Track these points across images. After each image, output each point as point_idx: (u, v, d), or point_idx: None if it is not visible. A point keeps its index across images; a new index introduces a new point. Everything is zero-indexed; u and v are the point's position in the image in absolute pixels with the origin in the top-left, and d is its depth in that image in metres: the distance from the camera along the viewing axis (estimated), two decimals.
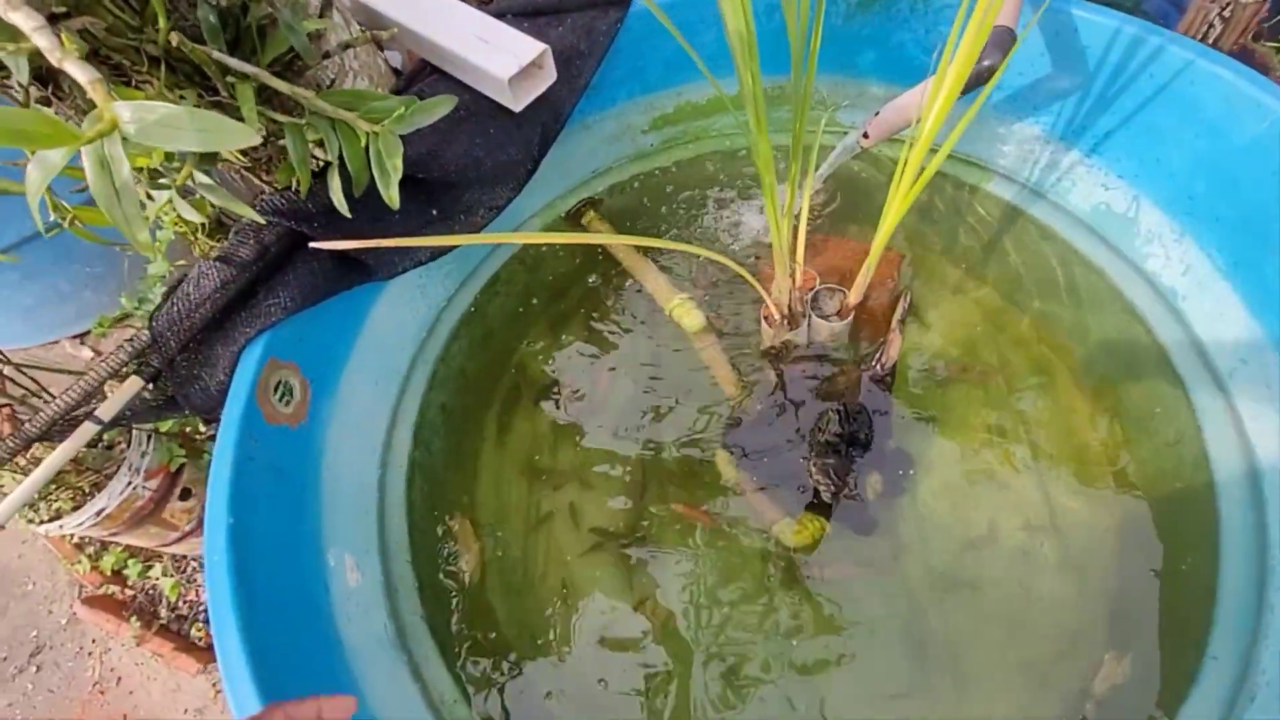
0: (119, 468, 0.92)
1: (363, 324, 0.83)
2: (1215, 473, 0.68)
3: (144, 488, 0.94)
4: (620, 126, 1.02)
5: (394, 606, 0.74)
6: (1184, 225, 0.75)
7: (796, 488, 0.87)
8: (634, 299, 1.05)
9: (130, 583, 1.12)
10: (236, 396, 0.63)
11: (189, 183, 0.54)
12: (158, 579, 1.12)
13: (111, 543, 1.15)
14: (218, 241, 0.88)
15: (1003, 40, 0.64)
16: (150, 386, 0.65)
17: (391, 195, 0.59)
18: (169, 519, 1.00)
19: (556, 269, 1.07)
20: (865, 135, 0.78)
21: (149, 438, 0.96)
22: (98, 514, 0.89)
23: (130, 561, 1.11)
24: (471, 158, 0.79)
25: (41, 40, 0.30)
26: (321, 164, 0.64)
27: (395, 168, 0.55)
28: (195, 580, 1.12)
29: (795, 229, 0.80)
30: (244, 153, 0.64)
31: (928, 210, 1.00)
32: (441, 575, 0.84)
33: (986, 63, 0.62)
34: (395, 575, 0.77)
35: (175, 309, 0.63)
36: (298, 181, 0.61)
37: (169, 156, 0.52)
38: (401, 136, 0.58)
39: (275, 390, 0.68)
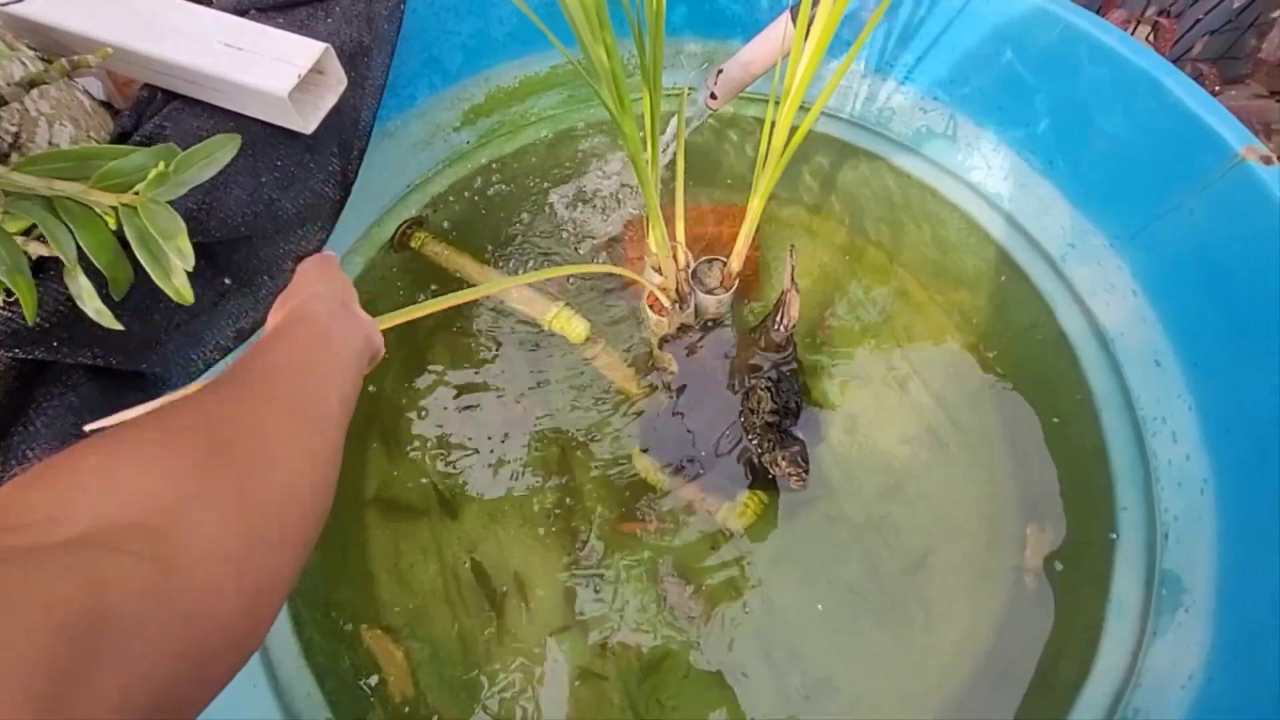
0: None
1: None
2: (1074, 347, 0.77)
3: None
4: (428, 128, 0.87)
5: None
6: (998, 135, 0.82)
7: (726, 471, 0.84)
8: (496, 321, 0.92)
9: None
10: None
11: None
12: None
13: None
14: None
15: None
16: None
17: (179, 288, 0.42)
18: None
19: (398, 306, 0.91)
20: (713, 96, 0.73)
21: None
22: None
23: None
24: (262, 202, 0.61)
25: None
26: (36, 258, 0.44)
27: (181, 250, 0.39)
28: None
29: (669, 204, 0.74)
30: None
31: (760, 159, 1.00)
32: (375, 713, 0.69)
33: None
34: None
35: None
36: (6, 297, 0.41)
37: None
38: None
39: None
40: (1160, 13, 0.89)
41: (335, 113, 0.65)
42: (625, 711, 0.73)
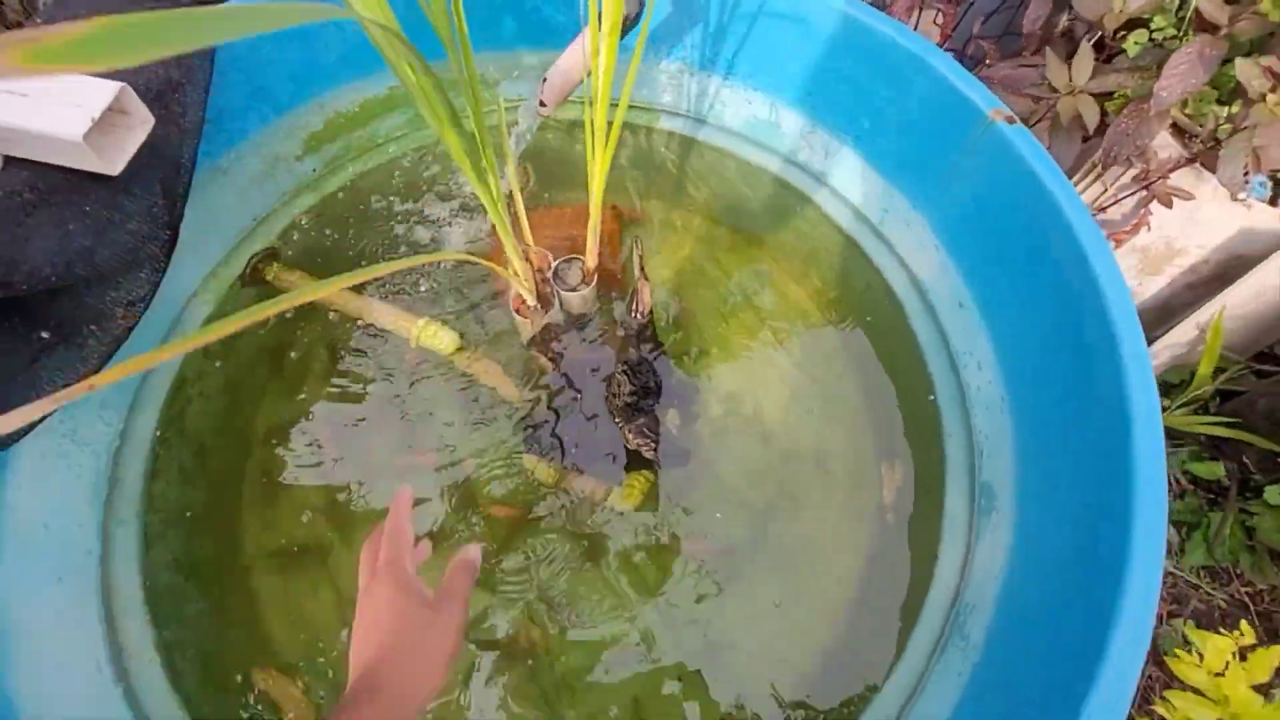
0: None
1: None
2: (901, 300, 0.86)
3: None
4: (266, 160, 0.86)
5: None
6: (813, 118, 0.90)
7: (609, 457, 0.88)
8: (363, 342, 0.92)
9: None
10: None
11: None
12: None
13: None
14: None
15: None
16: None
17: None
18: None
19: (257, 344, 0.89)
20: (542, 103, 0.77)
21: None
22: None
23: None
24: (73, 251, 0.59)
25: None
26: None
27: None
28: None
29: (513, 210, 0.77)
30: None
31: (615, 159, 1.05)
32: None
33: (630, 11, 0.64)
34: None
35: None
36: None
37: None
38: None
39: None
40: None
41: (150, 152, 0.64)
42: (542, 698, 0.75)
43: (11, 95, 0.55)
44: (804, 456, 0.90)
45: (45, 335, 0.60)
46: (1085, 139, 0.90)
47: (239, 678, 0.73)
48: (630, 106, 1.02)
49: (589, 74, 0.69)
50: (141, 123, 0.62)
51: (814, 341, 0.96)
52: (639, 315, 0.81)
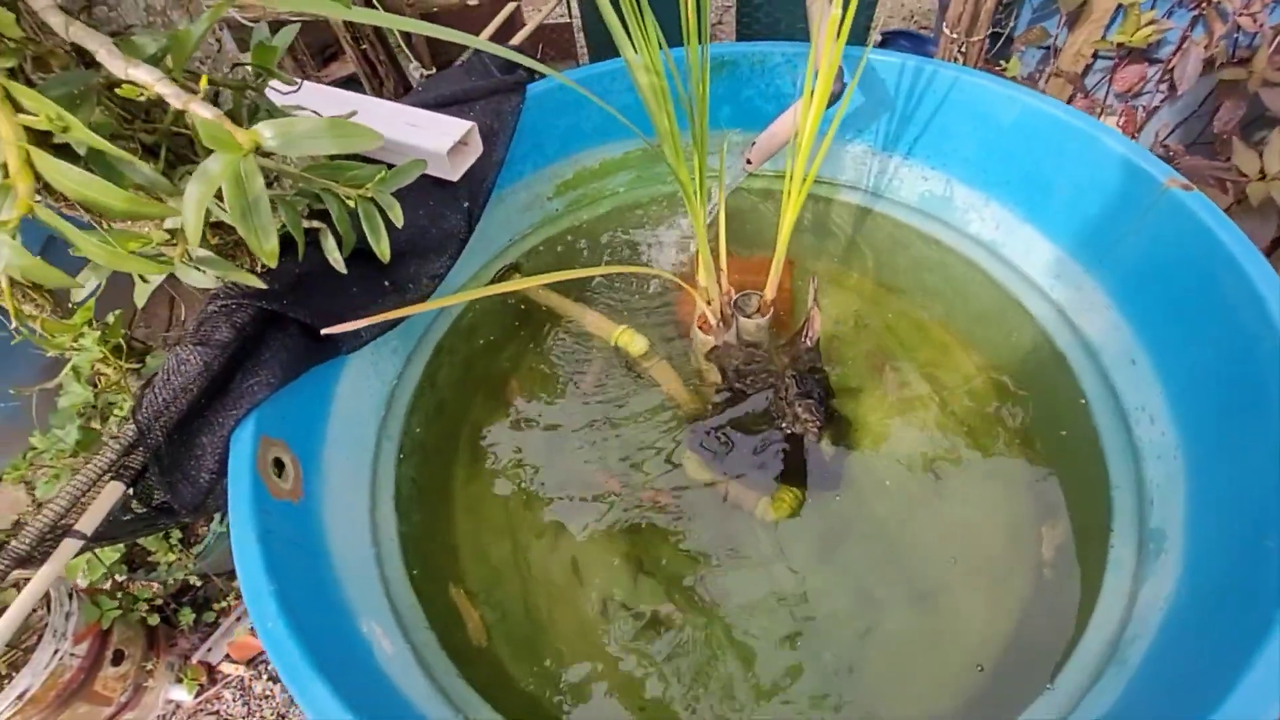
0: (40, 637, 0.78)
1: (331, 402, 0.82)
2: (1069, 360, 0.89)
3: (72, 655, 0.81)
4: (530, 196, 1.13)
5: (430, 671, 0.70)
6: (986, 193, 1.00)
7: (762, 469, 0.97)
8: (569, 342, 1.13)
9: None
10: (239, 474, 0.61)
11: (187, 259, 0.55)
12: None
13: None
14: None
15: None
16: (131, 491, 0.61)
17: (383, 249, 0.64)
18: (101, 691, 0.86)
19: (493, 331, 1.13)
20: (748, 161, 0.96)
21: (71, 595, 0.83)
22: (19, 698, 0.75)
23: None
24: (418, 227, 0.85)
25: (164, 89, 0.34)
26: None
27: (397, 215, 0.61)
28: None
29: (714, 242, 0.94)
30: (215, 234, 0.65)
31: (799, 222, 1.21)
32: (463, 641, 0.81)
33: (835, 90, 0.82)
34: (420, 643, 0.73)
35: (159, 397, 0.60)
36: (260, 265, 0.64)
37: (171, 234, 0.53)
38: None
39: (272, 467, 0.66)
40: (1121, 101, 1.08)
41: (469, 175, 0.90)
42: (665, 680, 0.82)
43: (411, 127, 0.84)
44: (956, 510, 0.92)
45: (387, 284, 0.85)
46: None
47: (446, 584, 0.89)
48: (817, 181, 1.19)
49: (791, 139, 0.87)
50: (475, 151, 0.89)
51: (974, 398, 1.00)
52: (808, 340, 0.93)
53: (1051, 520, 0.87)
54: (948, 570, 0.87)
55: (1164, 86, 1.11)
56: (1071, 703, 0.63)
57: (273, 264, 0.41)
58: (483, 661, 0.82)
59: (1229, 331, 0.66)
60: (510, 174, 1.08)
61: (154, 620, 0.99)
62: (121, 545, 0.90)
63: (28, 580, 0.53)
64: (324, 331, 0.58)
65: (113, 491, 0.59)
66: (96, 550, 0.78)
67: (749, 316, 1.00)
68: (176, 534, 0.94)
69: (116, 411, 0.86)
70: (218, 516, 0.94)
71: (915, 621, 0.84)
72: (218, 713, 1.00)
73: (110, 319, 0.83)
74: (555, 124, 1.09)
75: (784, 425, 0.90)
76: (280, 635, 0.51)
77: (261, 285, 0.60)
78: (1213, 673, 0.48)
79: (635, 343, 1.03)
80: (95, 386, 0.85)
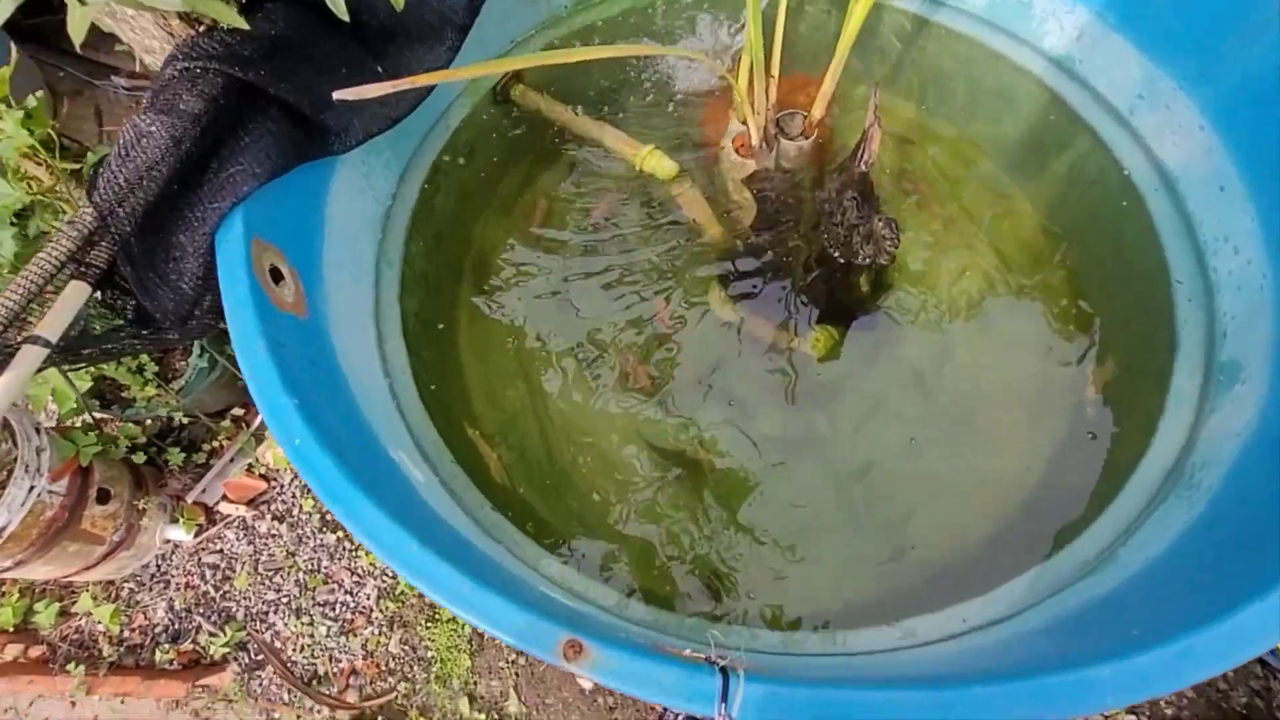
0: (9, 473, 0.70)
1: (325, 213, 0.70)
2: (1139, 186, 0.82)
3: (50, 492, 0.74)
4: None
5: (461, 502, 0.66)
6: None
7: (791, 305, 0.91)
8: (577, 170, 1.00)
9: (45, 633, 0.87)
10: (234, 276, 0.51)
11: None
12: (86, 614, 0.89)
13: (6, 580, 0.89)
14: None
15: None
16: (98, 294, 0.50)
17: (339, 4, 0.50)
18: (90, 529, 0.80)
19: (493, 152, 0.99)
20: None
21: (38, 429, 0.74)
22: None
23: (39, 605, 0.86)
24: (408, 3, 0.69)
25: None
26: None
27: None
28: (138, 602, 0.91)
29: (769, 40, 0.80)
30: None
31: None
32: (487, 478, 0.77)
33: None
34: (446, 474, 0.68)
35: (119, 176, 0.48)
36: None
37: None
38: None
39: (269, 274, 0.56)
40: None
41: None
42: (693, 514, 0.81)
43: None
44: (995, 347, 0.88)
45: (379, 69, 0.70)
46: None
47: (463, 424, 0.83)
48: None
49: None
50: None
51: (1022, 237, 0.93)
52: (863, 163, 0.83)
53: (1104, 356, 0.84)
54: (988, 407, 0.85)
55: None
56: (1127, 525, 0.62)
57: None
58: (511, 497, 0.79)
59: None
60: None
61: (139, 459, 0.92)
62: (90, 376, 0.80)
63: None
64: (336, 95, 0.46)
65: (76, 292, 0.48)
66: (68, 373, 0.69)
67: (792, 139, 0.89)
68: (152, 366, 0.84)
69: (56, 225, 0.72)
70: (196, 349, 0.84)
71: (949, 457, 0.83)
72: (221, 551, 0.97)
73: (32, 101, 0.67)
74: None
75: (837, 255, 0.82)
76: (312, 451, 0.44)
77: (244, 24, 0.46)
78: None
79: (664, 164, 0.90)
80: (30, 190, 0.70)
